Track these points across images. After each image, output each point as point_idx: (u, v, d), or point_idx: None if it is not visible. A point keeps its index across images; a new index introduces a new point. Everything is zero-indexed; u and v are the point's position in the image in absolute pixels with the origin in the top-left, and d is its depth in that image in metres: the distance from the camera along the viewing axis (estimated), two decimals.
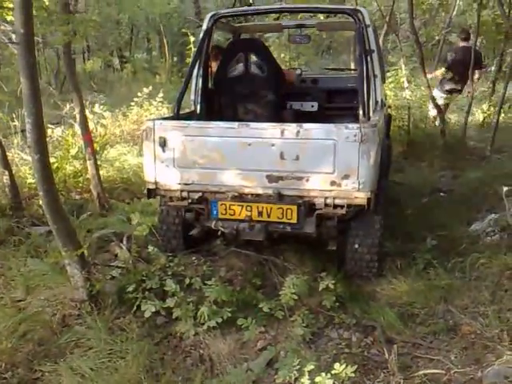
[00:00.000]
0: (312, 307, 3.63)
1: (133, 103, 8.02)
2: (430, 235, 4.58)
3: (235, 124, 3.64)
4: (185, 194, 3.76)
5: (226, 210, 3.67)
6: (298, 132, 3.46)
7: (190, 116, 4.46)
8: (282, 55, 11.22)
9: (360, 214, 3.61)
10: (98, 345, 3.18)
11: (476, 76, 8.15)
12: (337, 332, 3.44)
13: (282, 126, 3.52)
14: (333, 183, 3.45)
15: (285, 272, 4.01)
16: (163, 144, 3.67)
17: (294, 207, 3.55)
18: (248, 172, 3.60)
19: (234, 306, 3.54)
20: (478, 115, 10.03)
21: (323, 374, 2.66)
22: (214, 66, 4.83)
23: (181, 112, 4.22)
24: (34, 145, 3.19)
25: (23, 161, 6.18)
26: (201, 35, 4.52)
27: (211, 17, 4.57)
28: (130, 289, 3.62)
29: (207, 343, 3.28)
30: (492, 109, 9.41)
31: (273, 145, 3.50)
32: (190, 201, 3.76)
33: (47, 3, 5.14)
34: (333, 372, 2.68)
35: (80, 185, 6.04)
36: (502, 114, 8.68)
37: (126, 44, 23.01)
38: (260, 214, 3.61)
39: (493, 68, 11.13)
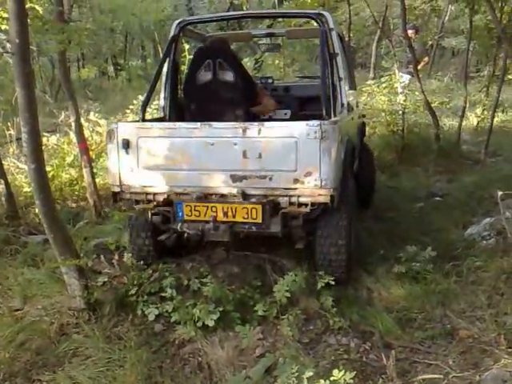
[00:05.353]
0: (308, 308, 3.62)
1: (128, 110, 8.00)
2: (426, 239, 4.59)
3: (198, 124, 3.63)
4: (150, 197, 3.75)
5: (191, 211, 3.65)
6: (260, 130, 3.47)
7: (158, 122, 4.38)
8: (277, 61, 11.26)
9: (325, 211, 3.64)
10: (96, 354, 3.18)
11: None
12: (335, 338, 3.42)
13: (243, 125, 3.54)
14: (296, 181, 3.46)
15: (283, 271, 3.93)
16: (126, 146, 3.65)
17: (259, 207, 3.55)
18: (212, 172, 3.60)
19: (231, 306, 3.54)
20: (471, 119, 10.09)
21: (322, 380, 2.64)
22: None
23: (150, 118, 4.10)
24: (31, 154, 3.19)
25: (19, 169, 6.18)
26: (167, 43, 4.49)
27: (178, 24, 4.57)
28: (133, 291, 3.66)
29: (205, 351, 3.26)
30: (486, 113, 9.47)
31: (235, 144, 3.52)
32: (155, 203, 3.75)
33: (41, 12, 5.16)
34: (331, 378, 2.66)
35: (76, 193, 6.04)
36: (496, 118, 8.74)
37: (121, 51, 23.09)
38: (225, 214, 3.59)
39: (486, 72, 11.20)
